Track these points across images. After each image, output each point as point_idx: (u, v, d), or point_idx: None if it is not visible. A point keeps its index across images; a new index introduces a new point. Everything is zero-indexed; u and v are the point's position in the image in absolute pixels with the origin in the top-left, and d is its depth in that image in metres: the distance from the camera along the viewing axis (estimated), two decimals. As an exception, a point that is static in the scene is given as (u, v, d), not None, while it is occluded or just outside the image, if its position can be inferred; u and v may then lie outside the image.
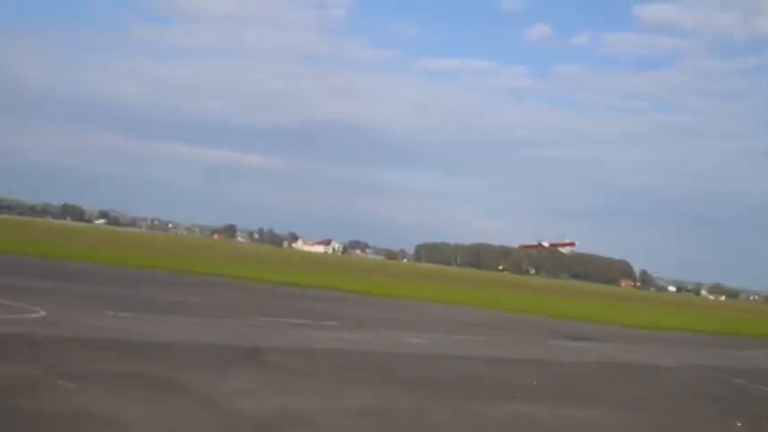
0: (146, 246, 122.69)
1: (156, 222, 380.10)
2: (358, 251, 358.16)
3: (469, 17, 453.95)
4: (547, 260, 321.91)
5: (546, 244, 51.78)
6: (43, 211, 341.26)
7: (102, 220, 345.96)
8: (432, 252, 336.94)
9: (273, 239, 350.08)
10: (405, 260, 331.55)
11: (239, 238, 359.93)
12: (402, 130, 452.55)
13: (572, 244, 52.94)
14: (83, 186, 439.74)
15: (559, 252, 50.77)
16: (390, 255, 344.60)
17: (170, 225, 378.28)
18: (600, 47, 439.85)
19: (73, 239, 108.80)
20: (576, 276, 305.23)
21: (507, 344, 37.82)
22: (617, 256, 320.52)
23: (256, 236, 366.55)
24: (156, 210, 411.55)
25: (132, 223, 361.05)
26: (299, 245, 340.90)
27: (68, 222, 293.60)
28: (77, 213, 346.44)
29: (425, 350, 30.44)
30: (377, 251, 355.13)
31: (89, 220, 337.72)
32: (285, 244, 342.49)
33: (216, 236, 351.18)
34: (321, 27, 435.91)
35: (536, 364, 30.76)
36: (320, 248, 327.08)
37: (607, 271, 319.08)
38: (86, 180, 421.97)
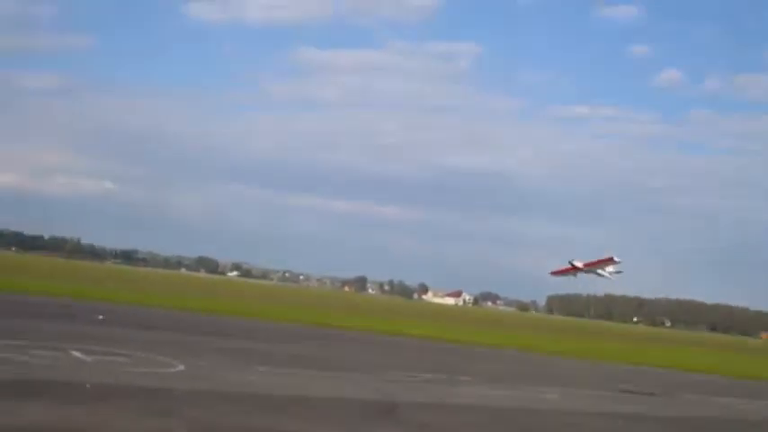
0: (276, 298, 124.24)
1: (287, 274, 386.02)
2: (489, 303, 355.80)
3: (598, 63, 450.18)
4: (682, 311, 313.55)
5: (580, 264, 48.48)
6: (178, 263, 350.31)
7: (234, 273, 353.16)
8: (563, 303, 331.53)
9: (404, 291, 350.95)
10: (535, 312, 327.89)
11: (369, 290, 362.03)
12: (532, 178, 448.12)
13: (611, 260, 48.62)
14: (217, 239, 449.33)
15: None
16: (522, 306, 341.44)
17: (301, 277, 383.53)
18: (732, 90, 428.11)
19: (207, 291, 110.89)
20: (713, 328, 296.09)
21: (647, 400, 36.49)
22: (756, 308, 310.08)
23: (386, 287, 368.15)
24: (287, 262, 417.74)
25: (264, 275, 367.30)
26: (428, 296, 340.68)
27: (202, 275, 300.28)
28: (212, 266, 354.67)
29: (562, 406, 29.59)
30: (508, 302, 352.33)
31: (222, 273, 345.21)
32: (415, 295, 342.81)
33: (346, 288, 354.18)
34: (449, 77, 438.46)
35: (677, 422, 29.60)
36: (450, 300, 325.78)
37: (746, 322, 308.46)
38: (221, 232, 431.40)
